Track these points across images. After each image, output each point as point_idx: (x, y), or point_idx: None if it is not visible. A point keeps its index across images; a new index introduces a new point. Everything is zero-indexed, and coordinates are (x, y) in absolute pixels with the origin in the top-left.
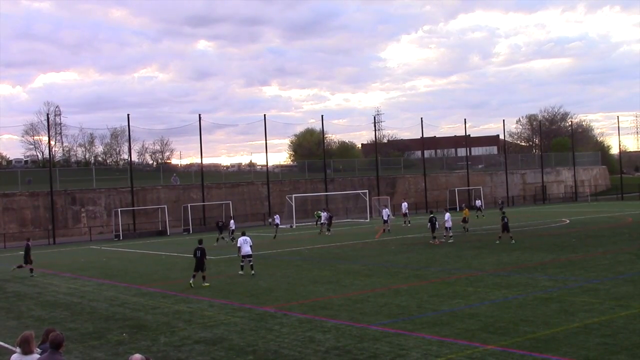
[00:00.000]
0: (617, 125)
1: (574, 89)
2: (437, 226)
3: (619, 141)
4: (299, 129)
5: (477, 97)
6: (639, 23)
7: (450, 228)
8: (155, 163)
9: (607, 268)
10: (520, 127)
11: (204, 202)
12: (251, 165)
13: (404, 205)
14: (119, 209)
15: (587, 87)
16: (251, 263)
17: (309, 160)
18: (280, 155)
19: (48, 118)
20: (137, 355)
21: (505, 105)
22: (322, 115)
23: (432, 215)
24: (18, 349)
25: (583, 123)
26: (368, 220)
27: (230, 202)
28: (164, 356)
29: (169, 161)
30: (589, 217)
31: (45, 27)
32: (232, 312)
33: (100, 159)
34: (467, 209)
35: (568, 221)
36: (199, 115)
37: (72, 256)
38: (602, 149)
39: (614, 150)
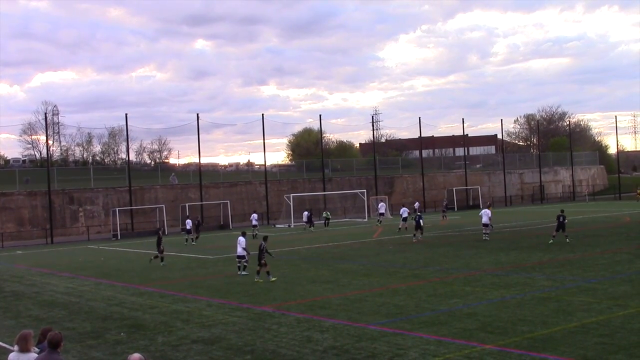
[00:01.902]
0: (614, 124)
1: (572, 89)
2: (421, 224)
3: (617, 141)
4: (297, 128)
5: (475, 96)
6: (638, 23)
7: (488, 225)
8: (153, 163)
9: (605, 268)
10: (518, 126)
11: (201, 201)
12: (249, 164)
13: (404, 210)
14: (117, 209)
15: (585, 86)
16: (245, 264)
17: (307, 160)
18: (278, 155)
19: (46, 117)
20: (136, 355)
21: (504, 104)
22: (320, 115)
23: (418, 214)
24: (16, 347)
25: (581, 123)
26: (366, 219)
27: (229, 201)
28: (161, 356)
29: (167, 161)
30: (587, 217)
31: (43, 26)
32: (230, 311)
33: (98, 158)
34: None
35: (565, 221)
36: (197, 114)
37: (70, 256)
38: (599, 149)
39: (612, 150)
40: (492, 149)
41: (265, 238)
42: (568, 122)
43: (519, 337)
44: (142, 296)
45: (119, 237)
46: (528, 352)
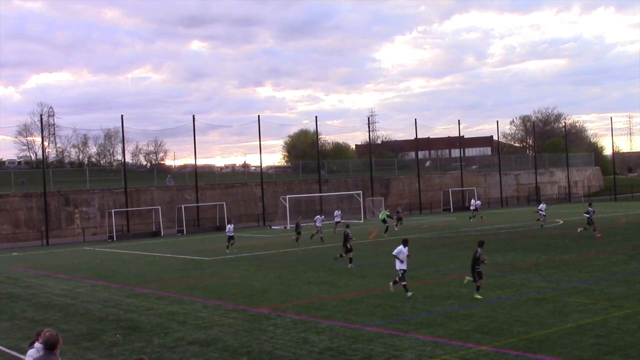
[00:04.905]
0: (610, 126)
1: (568, 90)
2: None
3: (612, 142)
4: (293, 129)
5: (472, 98)
6: (634, 24)
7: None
8: (149, 164)
9: (601, 269)
10: (514, 128)
11: (197, 203)
12: (245, 166)
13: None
14: (113, 210)
15: (581, 88)
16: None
17: (303, 161)
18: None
19: (41, 119)
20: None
21: (500, 106)
22: (316, 116)
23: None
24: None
25: (577, 124)
26: (362, 221)
27: (225, 203)
28: (157, 357)
29: (162, 162)
30: (583, 218)
31: (38, 28)
32: (226, 313)
33: (94, 160)
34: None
35: (562, 222)
36: (193, 116)
37: (65, 257)
38: (595, 150)
39: (608, 151)
40: (488, 150)
41: (348, 226)
42: (564, 124)
43: (515, 338)
44: (138, 298)
45: (114, 239)
46: (524, 353)
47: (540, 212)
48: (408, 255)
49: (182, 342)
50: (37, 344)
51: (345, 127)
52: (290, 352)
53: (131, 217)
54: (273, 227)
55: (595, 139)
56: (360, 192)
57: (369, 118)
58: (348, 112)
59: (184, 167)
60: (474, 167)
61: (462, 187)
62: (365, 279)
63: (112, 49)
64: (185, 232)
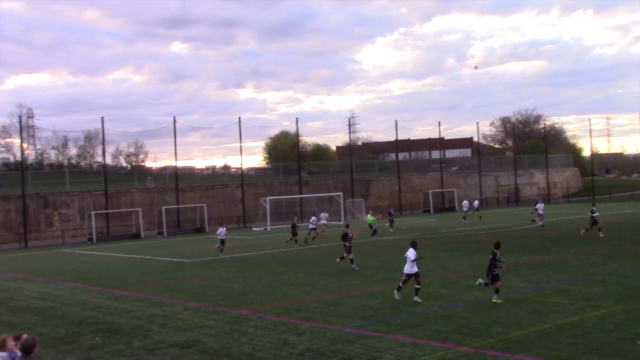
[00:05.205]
0: (589, 127)
1: (548, 92)
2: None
3: (591, 143)
4: (274, 131)
5: (452, 99)
6: (612, 26)
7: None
8: (129, 166)
9: (579, 269)
10: (494, 129)
11: (178, 204)
12: (225, 167)
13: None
14: (93, 212)
15: (561, 89)
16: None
17: (283, 163)
18: (254, 158)
19: (20, 120)
20: None
21: (480, 107)
22: (296, 118)
23: (347, 225)
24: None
25: (556, 125)
26: (342, 222)
27: (205, 205)
28: None
29: (143, 164)
30: (562, 219)
31: (17, 28)
32: (207, 315)
33: (73, 161)
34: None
35: (541, 223)
36: (174, 117)
37: (44, 260)
38: (574, 151)
39: (586, 153)
40: (468, 152)
41: (347, 225)
42: (543, 125)
43: (494, 338)
44: (118, 300)
45: (94, 241)
46: (503, 353)
47: (537, 211)
48: (414, 259)
49: (162, 344)
50: (1, 353)
51: (326, 129)
52: (270, 353)
53: (111, 219)
54: (253, 229)
55: (574, 141)
56: (341, 193)
57: (349, 119)
58: (328, 114)
59: (165, 168)
60: (454, 168)
61: (442, 188)
62: (345, 281)
63: (92, 50)
64: (165, 234)
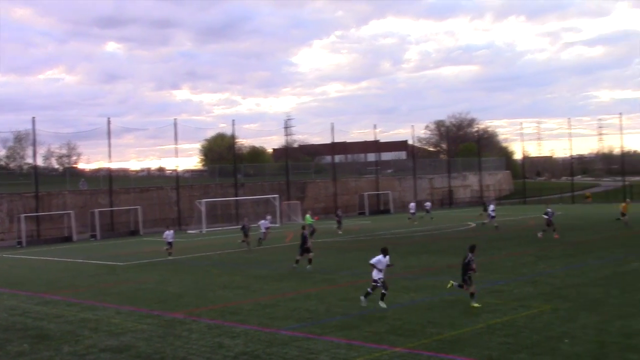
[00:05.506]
0: (520, 131)
1: (481, 96)
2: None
3: (522, 147)
4: (210, 133)
5: (388, 102)
6: (543, 33)
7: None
8: (61, 167)
9: (511, 270)
10: (429, 132)
11: (111, 207)
12: (161, 169)
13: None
14: (22, 215)
15: (493, 93)
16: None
17: (219, 165)
18: (190, 160)
19: None
20: None
21: (415, 110)
22: (233, 120)
23: (303, 227)
24: None
25: (489, 129)
26: (278, 225)
27: (140, 207)
28: None
29: (76, 166)
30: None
31: None
32: (140, 319)
33: (2, 163)
34: (625, 204)
35: (474, 225)
36: (108, 118)
37: None
38: (506, 155)
39: (518, 156)
40: (403, 155)
41: (304, 227)
42: (476, 129)
43: (428, 339)
44: (48, 305)
45: (24, 245)
46: (437, 353)
47: (490, 213)
48: (389, 265)
49: (94, 349)
50: None
51: (262, 131)
52: (204, 357)
53: (42, 222)
54: (189, 232)
55: (506, 144)
56: (277, 195)
57: (285, 122)
58: (265, 116)
59: (98, 170)
60: (389, 171)
61: (377, 190)
62: (281, 283)
63: (23, 49)
64: (98, 237)
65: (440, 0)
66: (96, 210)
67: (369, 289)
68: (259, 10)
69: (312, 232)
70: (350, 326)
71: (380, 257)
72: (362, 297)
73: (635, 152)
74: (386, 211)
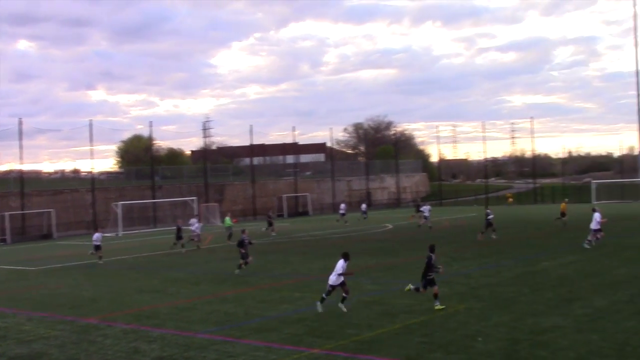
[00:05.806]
0: (436, 134)
1: (398, 99)
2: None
3: (439, 150)
4: (127, 134)
5: (306, 105)
6: (458, 38)
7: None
8: None
9: None
10: (347, 135)
11: (23, 210)
12: (75, 171)
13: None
14: None
15: (411, 97)
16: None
17: (136, 167)
18: (106, 162)
19: None
20: None
21: (333, 113)
22: (150, 122)
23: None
24: None
25: (406, 132)
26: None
27: (53, 210)
28: None
29: None
30: (411, 223)
31: None
32: (53, 325)
33: None
34: (564, 204)
35: (391, 226)
36: (20, 119)
37: None
38: (422, 157)
39: (434, 158)
40: (321, 157)
41: (243, 231)
42: (394, 131)
43: (345, 340)
44: None
45: None
46: (354, 354)
47: (423, 213)
48: (341, 273)
49: (3, 357)
50: None
51: (180, 133)
52: None
53: None
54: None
55: (422, 147)
56: (195, 198)
57: (204, 124)
58: (183, 118)
59: (9, 172)
60: (307, 173)
61: (296, 193)
62: (198, 286)
63: None
64: (9, 241)
65: (359, 5)
66: (6, 214)
67: (323, 295)
68: (177, 10)
69: (230, 235)
70: (268, 328)
71: (341, 261)
72: (318, 303)
73: (545, 155)
74: (305, 213)
